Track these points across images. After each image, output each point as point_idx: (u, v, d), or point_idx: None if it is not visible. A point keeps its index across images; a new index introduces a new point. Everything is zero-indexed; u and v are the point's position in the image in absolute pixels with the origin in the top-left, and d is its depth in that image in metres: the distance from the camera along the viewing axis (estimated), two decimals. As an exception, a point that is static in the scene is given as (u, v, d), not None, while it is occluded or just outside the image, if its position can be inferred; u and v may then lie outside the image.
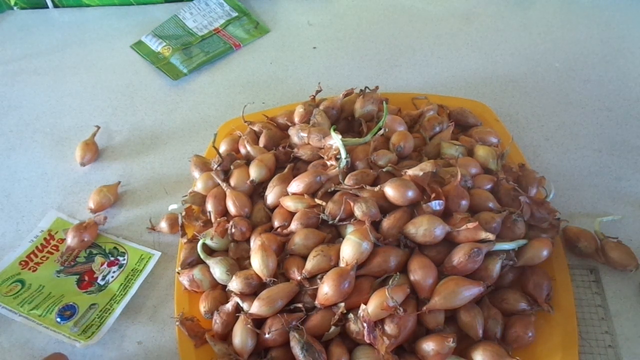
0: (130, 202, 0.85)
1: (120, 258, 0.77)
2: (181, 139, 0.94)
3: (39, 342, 0.69)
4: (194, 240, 0.75)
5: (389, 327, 0.60)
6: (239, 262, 0.71)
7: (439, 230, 0.65)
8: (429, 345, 0.60)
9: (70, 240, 0.77)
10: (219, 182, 0.78)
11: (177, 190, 0.85)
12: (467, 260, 0.63)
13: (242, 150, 0.83)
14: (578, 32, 1.12)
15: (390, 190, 0.68)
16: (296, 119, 0.84)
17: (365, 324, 0.59)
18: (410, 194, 0.68)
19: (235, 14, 1.17)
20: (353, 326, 0.62)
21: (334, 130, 0.74)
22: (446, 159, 0.77)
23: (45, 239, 0.80)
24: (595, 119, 0.94)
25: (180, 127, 0.96)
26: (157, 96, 1.02)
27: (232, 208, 0.75)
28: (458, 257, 0.64)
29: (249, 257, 0.69)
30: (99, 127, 0.94)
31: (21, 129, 0.97)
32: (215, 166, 0.79)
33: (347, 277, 0.62)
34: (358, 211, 0.67)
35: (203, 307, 0.68)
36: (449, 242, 0.67)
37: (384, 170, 0.73)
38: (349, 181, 0.71)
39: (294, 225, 0.70)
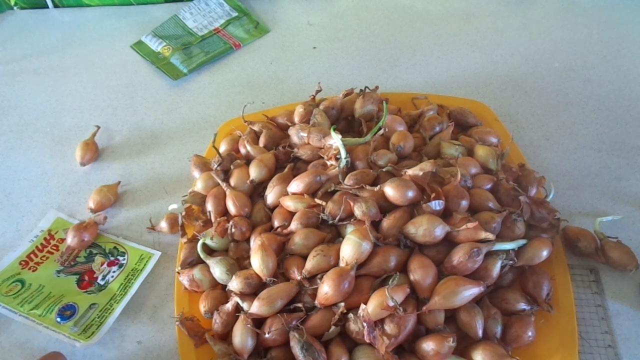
0: (130, 202, 0.85)
1: (120, 258, 0.77)
2: (181, 139, 0.94)
3: (39, 341, 0.69)
4: (194, 240, 0.75)
5: (389, 327, 0.60)
6: (239, 262, 0.71)
7: (439, 230, 0.65)
8: (428, 345, 0.60)
9: (70, 240, 0.77)
10: (219, 182, 0.78)
11: (177, 190, 0.85)
12: (467, 260, 0.63)
13: (242, 150, 0.83)
14: (578, 32, 1.12)
15: (390, 190, 0.68)
16: (296, 119, 0.84)
17: (365, 324, 0.59)
18: (410, 193, 0.68)
19: (235, 14, 1.18)
20: (353, 326, 0.62)
21: (334, 130, 0.74)
22: (446, 159, 0.77)
23: (45, 238, 0.80)
24: (595, 119, 0.94)
25: (180, 127, 0.96)
26: (157, 96, 1.02)
27: (232, 208, 0.75)
28: (458, 256, 0.64)
29: (249, 257, 0.69)
30: (99, 127, 0.94)
31: (21, 129, 0.97)
32: (215, 166, 0.79)
33: (347, 277, 0.62)
34: (358, 211, 0.67)
35: (203, 306, 0.68)
36: (449, 242, 0.67)
37: (384, 170, 0.73)
38: (349, 181, 0.71)
39: (294, 225, 0.70)
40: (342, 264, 0.64)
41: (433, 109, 0.88)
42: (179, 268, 0.73)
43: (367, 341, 0.60)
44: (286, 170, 0.78)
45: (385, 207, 0.69)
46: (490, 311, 0.64)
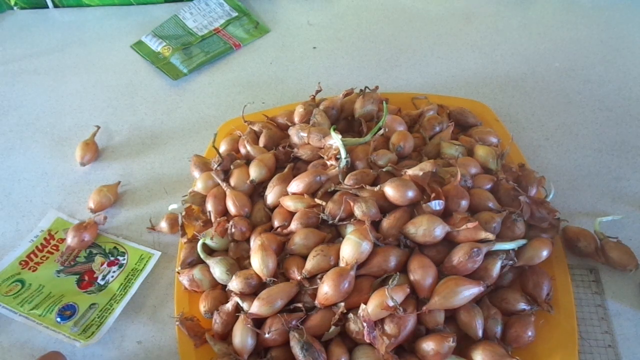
0: (130, 202, 0.85)
1: (120, 258, 0.78)
2: (181, 139, 0.94)
3: (39, 341, 0.69)
4: (194, 240, 0.75)
5: (389, 327, 0.60)
6: (239, 262, 0.71)
7: (439, 230, 0.65)
8: (428, 345, 0.60)
9: (70, 240, 0.77)
10: (219, 182, 0.78)
11: (177, 190, 0.85)
12: (467, 260, 0.63)
13: (242, 150, 0.83)
14: (578, 32, 1.12)
15: (390, 190, 0.68)
16: (296, 119, 0.84)
17: (365, 324, 0.59)
18: (410, 193, 0.68)
19: (235, 14, 1.18)
20: (353, 326, 0.62)
21: (334, 130, 0.74)
22: (446, 159, 0.77)
23: (45, 238, 0.80)
24: (595, 119, 0.94)
25: (180, 127, 0.96)
26: (157, 96, 1.02)
27: (232, 208, 0.75)
28: (458, 256, 0.64)
29: (249, 257, 0.69)
30: (99, 127, 0.94)
31: (21, 129, 0.97)
32: (215, 166, 0.79)
33: (347, 277, 0.62)
34: (358, 211, 0.67)
35: (203, 306, 0.68)
36: (449, 242, 0.67)
37: (384, 170, 0.73)
38: (349, 181, 0.71)
39: (294, 225, 0.70)
40: (342, 264, 0.64)
41: (433, 109, 0.88)
42: (179, 268, 0.73)
43: (367, 341, 0.60)
44: (286, 170, 0.78)
45: (385, 207, 0.69)
46: (490, 311, 0.64)
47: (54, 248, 0.79)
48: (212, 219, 0.75)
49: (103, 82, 1.05)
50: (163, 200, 0.84)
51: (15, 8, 1.22)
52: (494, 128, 0.87)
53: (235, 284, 0.67)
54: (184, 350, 0.66)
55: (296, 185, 0.73)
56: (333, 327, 0.63)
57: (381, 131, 0.77)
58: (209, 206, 0.76)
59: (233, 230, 0.72)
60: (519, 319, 0.64)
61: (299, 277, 0.66)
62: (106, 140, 0.94)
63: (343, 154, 0.73)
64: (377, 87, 0.87)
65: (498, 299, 0.67)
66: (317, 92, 0.86)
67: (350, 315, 0.63)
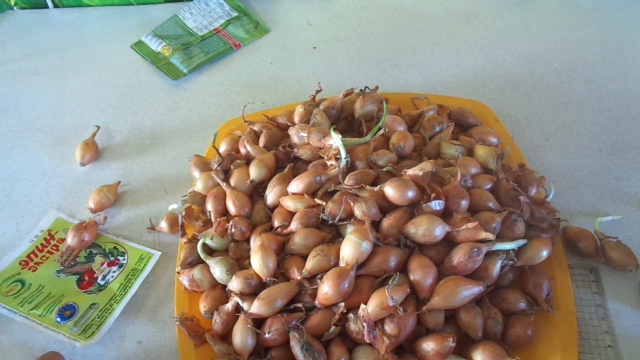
0: (130, 202, 0.85)
1: (120, 258, 0.78)
2: (181, 139, 0.94)
3: (39, 341, 0.69)
4: (194, 240, 0.75)
5: (389, 327, 0.60)
6: (239, 262, 0.71)
7: (439, 230, 0.65)
8: (428, 345, 0.60)
9: (70, 240, 0.77)
10: (219, 182, 0.78)
11: (177, 190, 0.85)
12: (467, 260, 0.63)
13: (242, 150, 0.83)
14: (578, 32, 1.12)
15: (390, 190, 0.68)
16: (296, 119, 0.84)
17: (365, 324, 0.59)
18: (410, 193, 0.68)
19: (235, 14, 1.18)
20: (353, 326, 0.62)
21: (334, 130, 0.74)
22: (446, 159, 0.77)
23: (45, 238, 0.80)
24: (595, 119, 0.94)
25: (180, 127, 0.96)
26: (157, 96, 1.02)
27: (232, 208, 0.75)
28: (458, 256, 0.64)
29: (249, 257, 0.69)
30: (99, 127, 0.94)
31: (21, 129, 0.97)
32: (215, 166, 0.79)
33: (347, 277, 0.62)
34: (358, 211, 0.67)
35: (203, 306, 0.68)
36: (449, 242, 0.67)
37: (384, 170, 0.73)
38: (349, 181, 0.71)
39: (294, 225, 0.70)
40: (342, 264, 0.64)
41: (433, 109, 0.88)
42: (179, 268, 0.73)
43: (367, 341, 0.60)
44: (286, 170, 0.78)
45: (385, 207, 0.69)
46: (490, 311, 0.64)
47: (54, 248, 0.79)
48: (212, 219, 0.75)
49: (103, 82, 1.05)
50: (163, 200, 0.84)
51: (15, 8, 1.22)
52: (494, 128, 0.87)
53: (235, 284, 0.67)
54: (184, 350, 0.66)
55: (296, 185, 0.73)
56: (333, 327, 0.63)
57: (381, 131, 0.77)
58: (209, 206, 0.76)
59: (233, 230, 0.72)
60: (519, 319, 0.65)
61: (299, 277, 0.66)
62: (106, 140, 0.94)
63: (343, 154, 0.73)
64: (377, 87, 0.87)
65: (498, 299, 0.67)
66: (317, 92, 0.86)
67: (350, 315, 0.63)
